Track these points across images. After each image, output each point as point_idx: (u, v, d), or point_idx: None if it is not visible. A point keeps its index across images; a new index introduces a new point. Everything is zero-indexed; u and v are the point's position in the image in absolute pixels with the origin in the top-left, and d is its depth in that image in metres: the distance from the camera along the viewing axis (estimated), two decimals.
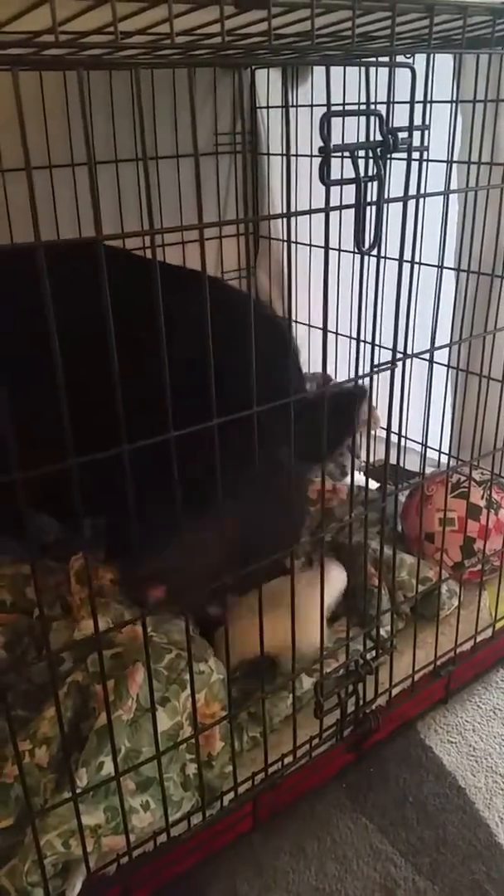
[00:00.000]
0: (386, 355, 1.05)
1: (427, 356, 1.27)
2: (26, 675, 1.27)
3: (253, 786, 1.19)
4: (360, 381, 1.09)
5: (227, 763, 1.17)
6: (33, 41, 0.66)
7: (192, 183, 0.74)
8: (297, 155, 0.89)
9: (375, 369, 1.05)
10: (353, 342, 1.05)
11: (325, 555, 1.22)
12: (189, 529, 0.90)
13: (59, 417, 0.71)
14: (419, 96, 0.94)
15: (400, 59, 0.95)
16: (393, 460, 1.70)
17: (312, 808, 1.32)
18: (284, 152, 0.88)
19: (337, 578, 1.41)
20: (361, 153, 0.91)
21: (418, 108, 0.96)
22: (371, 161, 0.93)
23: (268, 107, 2.13)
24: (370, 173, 0.93)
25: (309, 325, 1.80)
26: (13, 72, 0.58)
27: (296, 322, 1.61)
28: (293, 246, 0.90)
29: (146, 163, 0.67)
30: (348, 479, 1.83)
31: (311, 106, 1.83)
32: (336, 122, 0.85)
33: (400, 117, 0.96)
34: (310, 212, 0.91)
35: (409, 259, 1.06)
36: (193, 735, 1.07)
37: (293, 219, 0.87)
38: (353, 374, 1.06)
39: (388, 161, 0.94)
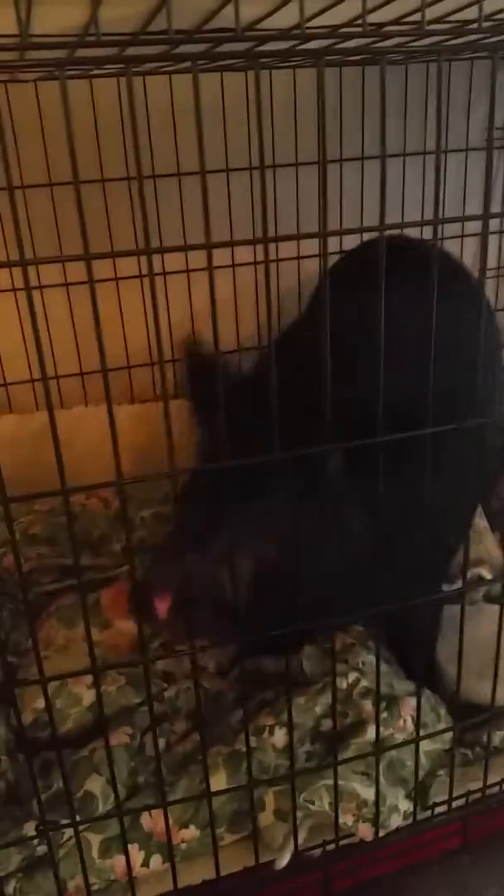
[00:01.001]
0: None
1: None
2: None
3: (466, 804, 1.14)
4: None
5: (438, 768, 1.16)
6: (335, 33, 0.68)
7: (457, 177, 0.71)
8: None
9: None
10: None
11: None
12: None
13: None
14: None
15: None
16: None
17: None
18: None
19: None
20: None
21: None
22: None
23: None
24: None
25: None
26: (318, 68, 0.59)
27: None
28: None
29: (439, 157, 0.66)
30: None
31: None
32: None
33: None
34: None
35: None
36: (414, 740, 1.05)
37: None
38: None
39: None
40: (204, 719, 1.17)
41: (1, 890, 0.94)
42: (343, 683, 1.23)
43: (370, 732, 1.12)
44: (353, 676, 1.23)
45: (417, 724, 1.03)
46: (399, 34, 0.67)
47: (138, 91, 1.65)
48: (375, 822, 1.06)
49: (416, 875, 1.18)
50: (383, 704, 1.18)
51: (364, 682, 1.22)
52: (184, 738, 1.21)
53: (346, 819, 1.05)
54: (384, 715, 1.16)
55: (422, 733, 1.12)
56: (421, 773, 1.13)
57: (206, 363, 1.02)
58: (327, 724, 1.19)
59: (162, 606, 0.86)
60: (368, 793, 1.05)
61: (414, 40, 0.79)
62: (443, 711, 1.22)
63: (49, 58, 0.58)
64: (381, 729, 1.12)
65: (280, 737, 1.15)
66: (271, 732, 1.15)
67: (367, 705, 1.18)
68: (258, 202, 1.51)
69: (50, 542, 1.66)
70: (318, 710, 1.19)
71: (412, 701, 1.16)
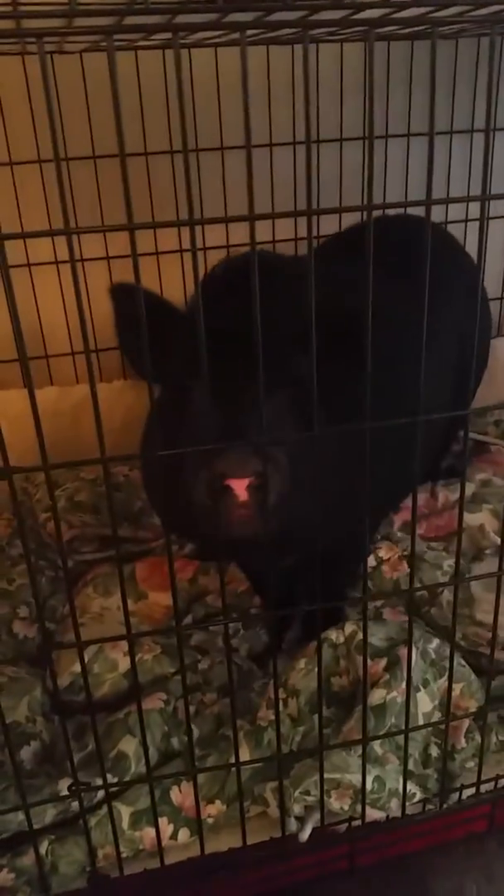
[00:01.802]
0: None
1: None
2: None
3: (495, 788, 1.14)
4: None
5: (469, 759, 1.14)
6: (388, 2, 0.66)
7: None
8: None
9: None
10: None
11: None
12: None
13: None
14: None
15: None
16: None
17: None
18: None
19: None
20: None
21: None
22: None
23: None
24: None
25: None
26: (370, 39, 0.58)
27: None
28: None
29: (488, 134, 0.65)
30: None
31: None
32: None
33: None
34: None
35: None
36: (444, 721, 1.05)
37: None
38: None
39: None
40: (234, 690, 1.19)
41: (35, 847, 0.97)
42: (340, 637, 1.22)
43: (375, 695, 1.12)
44: (349, 629, 1.22)
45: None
46: (455, 3, 0.66)
47: (183, 64, 1.64)
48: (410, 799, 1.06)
49: (443, 856, 1.19)
50: (383, 663, 1.17)
51: (362, 635, 1.19)
52: (213, 704, 1.24)
53: (343, 805, 1.05)
54: (386, 677, 1.14)
55: (421, 691, 1.14)
56: (420, 741, 1.13)
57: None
58: (336, 683, 1.19)
59: (241, 487, 0.88)
60: (367, 779, 1.04)
61: (470, 10, 0.77)
62: (459, 663, 1.18)
63: (97, 25, 0.58)
64: (384, 692, 1.12)
65: (293, 707, 1.16)
66: (286, 704, 1.16)
67: (368, 661, 1.16)
68: (302, 176, 1.49)
69: (94, 511, 1.69)
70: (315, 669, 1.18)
71: (413, 656, 1.15)
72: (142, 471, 1.29)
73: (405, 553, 1.50)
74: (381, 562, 1.50)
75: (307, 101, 0.60)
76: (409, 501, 1.21)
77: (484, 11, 0.89)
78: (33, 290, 1.82)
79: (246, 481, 0.88)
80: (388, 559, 1.50)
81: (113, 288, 1.02)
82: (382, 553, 1.51)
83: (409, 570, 1.42)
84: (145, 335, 0.68)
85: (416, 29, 1.38)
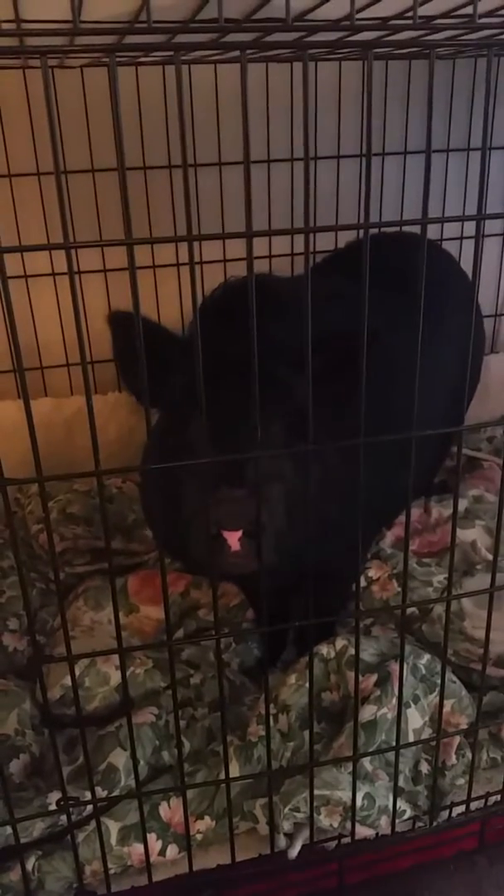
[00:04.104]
0: None
1: None
2: None
3: (485, 806, 1.14)
4: None
5: (460, 776, 1.13)
6: (385, 25, 0.67)
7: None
8: None
9: None
10: None
11: None
12: None
13: None
14: None
15: None
16: None
17: None
18: None
19: None
20: None
21: None
22: None
23: None
24: None
25: None
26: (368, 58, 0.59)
27: None
28: None
29: (485, 153, 0.66)
30: None
31: None
32: None
33: None
34: None
35: None
36: (435, 738, 1.05)
37: None
38: None
39: None
40: (224, 706, 1.18)
41: (21, 863, 0.96)
42: (331, 653, 1.22)
43: (366, 711, 1.11)
44: (340, 644, 1.22)
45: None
46: (449, 27, 0.67)
47: (183, 80, 1.65)
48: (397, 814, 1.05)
49: (432, 873, 1.18)
50: (373, 679, 1.16)
51: (352, 650, 1.18)
52: (204, 719, 1.23)
53: (333, 822, 1.05)
54: (377, 693, 1.14)
55: (411, 707, 1.13)
56: (411, 757, 1.13)
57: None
58: (326, 698, 1.19)
59: (233, 539, 0.90)
60: (357, 796, 1.03)
61: (465, 34, 0.78)
62: (450, 679, 1.18)
63: (99, 44, 0.58)
64: (374, 708, 1.11)
65: (284, 722, 1.15)
66: (276, 720, 1.16)
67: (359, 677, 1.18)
68: (300, 193, 1.50)
69: (87, 523, 1.68)
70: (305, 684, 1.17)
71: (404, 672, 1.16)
72: (140, 492, 1.27)
73: (395, 572, 1.50)
74: (370, 581, 1.50)
75: (306, 118, 0.61)
76: (402, 517, 1.22)
77: (475, 36, 0.91)
78: (30, 301, 1.82)
79: (238, 533, 0.89)
80: (378, 578, 1.50)
81: (110, 317, 1.01)
82: (372, 572, 1.51)
83: (398, 590, 1.44)
84: (143, 365, 0.68)
85: (413, 49, 1.40)
